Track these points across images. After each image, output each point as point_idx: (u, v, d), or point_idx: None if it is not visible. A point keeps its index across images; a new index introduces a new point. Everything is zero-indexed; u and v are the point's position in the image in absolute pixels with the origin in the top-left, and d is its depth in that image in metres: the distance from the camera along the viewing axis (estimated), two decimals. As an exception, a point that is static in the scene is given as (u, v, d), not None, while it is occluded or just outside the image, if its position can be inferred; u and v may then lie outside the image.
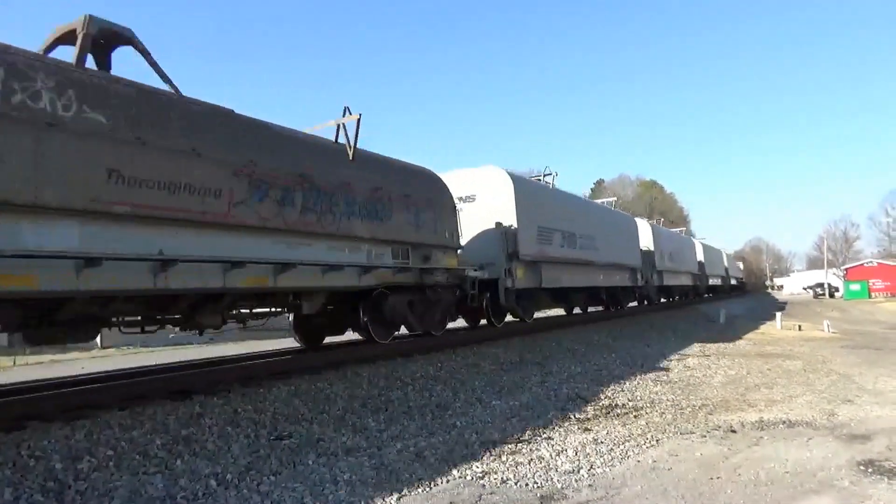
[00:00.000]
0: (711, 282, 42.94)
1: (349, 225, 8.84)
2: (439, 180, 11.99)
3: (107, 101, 5.87)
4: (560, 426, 6.92)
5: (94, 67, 6.44)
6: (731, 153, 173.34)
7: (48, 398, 6.20)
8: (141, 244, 6.05)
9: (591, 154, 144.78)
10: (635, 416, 7.51)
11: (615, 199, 25.26)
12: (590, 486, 4.92)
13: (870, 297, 61.02)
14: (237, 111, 7.60)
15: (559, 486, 4.90)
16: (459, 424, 6.81)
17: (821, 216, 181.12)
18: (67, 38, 6.38)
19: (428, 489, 4.78)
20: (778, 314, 25.26)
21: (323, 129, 9.52)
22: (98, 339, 14.40)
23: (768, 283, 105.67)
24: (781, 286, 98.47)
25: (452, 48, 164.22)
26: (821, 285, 71.80)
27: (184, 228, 6.49)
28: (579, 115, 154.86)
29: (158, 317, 7.13)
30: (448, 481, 4.97)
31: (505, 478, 5.05)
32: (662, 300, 31.19)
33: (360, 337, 10.68)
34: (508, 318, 15.06)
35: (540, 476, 5.11)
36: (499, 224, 13.60)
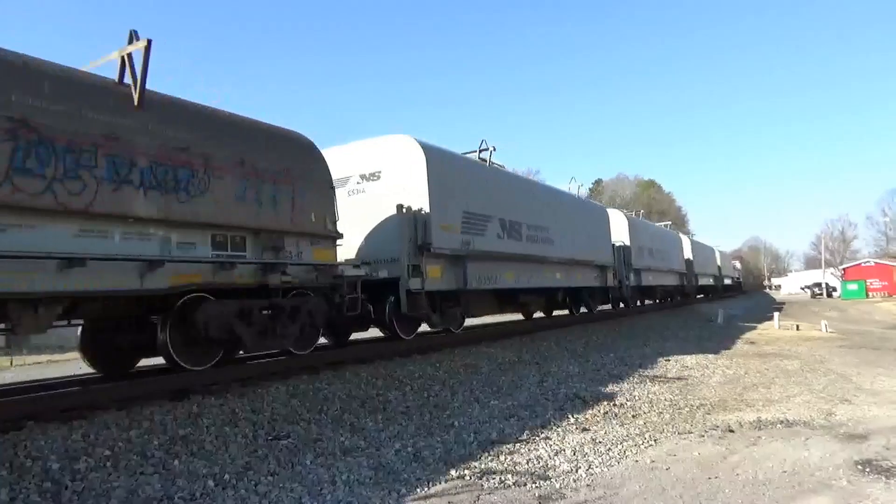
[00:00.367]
0: (701, 281, 39.78)
1: (120, 198, 6.14)
2: (307, 146, 9.01)
3: None
4: (558, 426, 6.92)
5: None
6: (730, 153, 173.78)
7: (45, 398, 6.18)
8: None
9: (589, 154, 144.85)
10: (633, 416, 7.52)
11: (580, 184, 20.19)
12: (588, 486, 4.92)
13: (867, 296, 61.13)
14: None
15: (557, 485, 4.90)
16: (458, 424, 6.81)
17: (818, 216, 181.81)
18: None
19: (426, 489, 4.78)
20: (776, 314, 25.26)
21: (105, 63, 6.76)
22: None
23: (766, 282, 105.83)
24: (779, 286, 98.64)
25: (449, 46, 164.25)
26: (818, 285, 71.95)
27: None
28: (578, 115, 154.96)
29: None
30: (446, 481, 4.97)
31: (503, 478, 5.05)
32: (644, 302, 28.29)
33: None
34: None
35: (538, 476, 5.11)
36: (405, 208, 10.60)
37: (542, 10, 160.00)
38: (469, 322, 14.26)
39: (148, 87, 6.56)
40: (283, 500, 4.42)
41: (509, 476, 5.09)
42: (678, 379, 10.49)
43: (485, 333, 13.39)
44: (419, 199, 10.68)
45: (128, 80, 6.53)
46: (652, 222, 35.19)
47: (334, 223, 9.10)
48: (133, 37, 6.52)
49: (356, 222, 10.71)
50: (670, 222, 41.22)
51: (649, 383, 9.93)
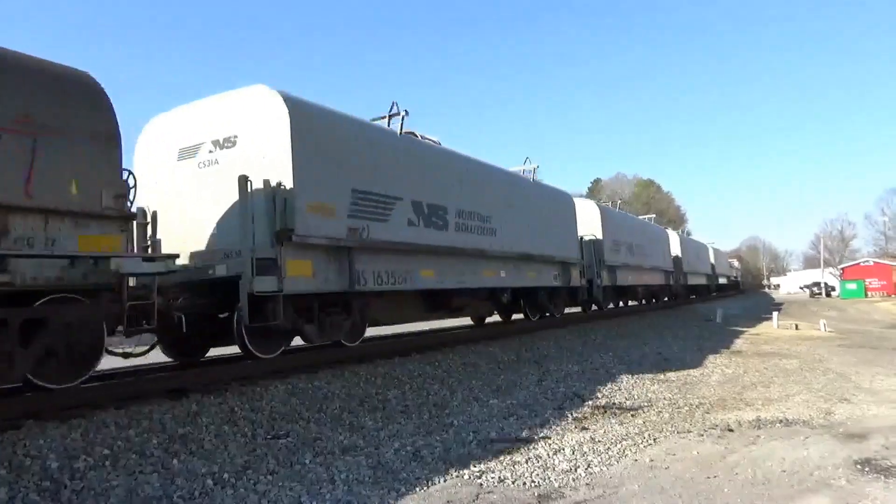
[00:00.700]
0: (692, 281, 36.46)
1: None
2: (73, 84, 6.20)
3: None
4: (557, 425, 6.92)
5: None
6: (728, 153, 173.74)
7: (44, 397, 6.17)
8: None
9: (588, 153, 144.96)
10: (632, 415, 7.52)
11: (535, 165, 15.87)
12: (587, 485, 4.92)
13: (866, 296, 61.23)
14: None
15: (556, 485, 4.90)
16: (457, 423, 6.81)
17: (817, 215, 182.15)
18: None
19: (425, 488, 4.78)
20: (775, 313, 25.30)
21: None
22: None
23: (765, 282, 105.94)
24: (778, 285, 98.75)
25: (449, 46, 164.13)
26: (817, 284, 72.04)
27: None
28: (577, 115, 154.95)
29: None
30: (445, 480, 4.96)
31: (502, 477, 5.04)
32: (627, 304, 26.34)
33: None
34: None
35: (537, 475, 5.11)
36: (256, 181, 7.73)
37: (541, 9, 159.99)
38: (387, 330, 12.71)
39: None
40: (282, 499, 4.42)
41: (508, 475, 5.08)
42: (677, 378, 10.49)
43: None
44: (280, 171, 7.91)
45: None
46: (634, 215, 31.38)
47: (120, 197, 6.23)
48: None
49: (208, 203, 8.35)
50: (654, 215, 36.72)
51: (648, 382, 9.94)
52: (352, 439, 6.00)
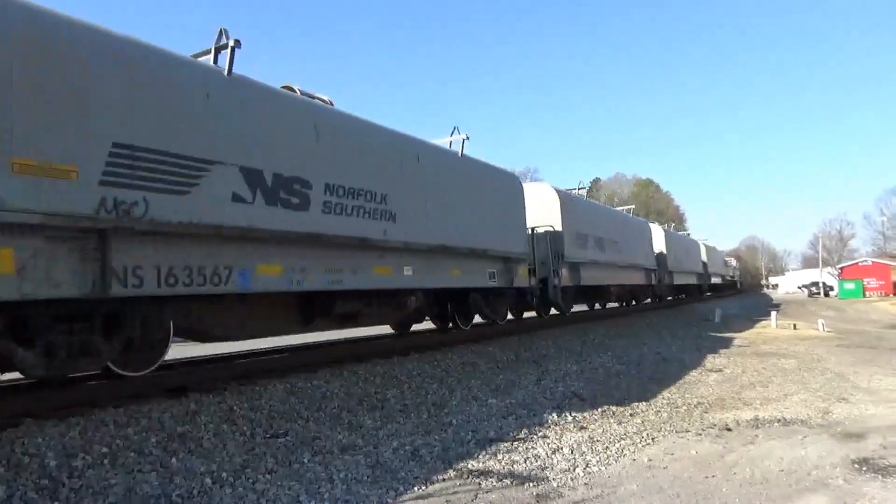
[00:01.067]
0: (679, 280, 32.14)
1: None
2: None
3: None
4: (556, 425, 6.93)
5: None
6: (728, 153, 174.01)
7: (42, 395, 6.17)
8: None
9: (587, 153, 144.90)
10: (631, 415, 7.53)
11: (465, 136, 12.30)
12: (585, 484, 4.92)
13: (864, 296, 61.31)
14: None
15: (555, 484, 4.91)
16: (455, 423, 6.81)
17: (816, 215, 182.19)
18: None
19: (424, 487, 4.78)
20: (773, 313, 25.32)
21: None
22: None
23: (764, 282, 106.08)
24: (777, 285, 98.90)
25: (447, 45, 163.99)
26: (816, 284, 72.09)
27: None
28: (576, 115, 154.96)
29: None
30: (444, 480, 4.97)
31: (501, 476, 5.05)
32: (596, 307, 23.86)
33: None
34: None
35: (536, 474, 5.11)
36: None
37: (540, 8, 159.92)
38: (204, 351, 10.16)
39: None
40: (280, 498, 4.42)
41: (507, 474, 5.09)
42: (676, 377, 10.50)
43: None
44: None
45: None
46: (608, 205, 27.09)
47: None
48: None
49: None
50: (633, 206, 31.62)
51: (647, 381, 9.95)
52: (350, 438, 6.00)
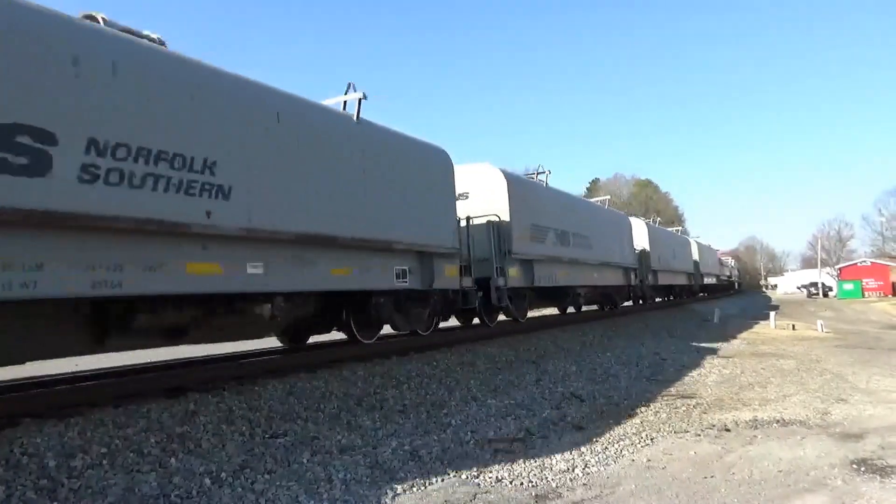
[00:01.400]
0: (663, 280, 28.43)
1: None
2: None
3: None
4: (555, 425, 6.93)
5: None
6: (727, 153, 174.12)
7: (41, 395, 6.17)
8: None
9: (586, 154, 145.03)
10: (630, 415, 7.53)
11: (361, 94, 9.06)
12: (584, 484, 4.93)
13: (863, 296, 61.41)
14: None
15: (554, 484, 4.91)
16: (455, 423, 6.81)
17: (815, 216, 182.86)
18: None
19: (423, 488, 4.78)
20: (772, 314, 25.35)
21: None
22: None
23: (763, 282, 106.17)
24: (776, 285, 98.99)
25: (446, 45, 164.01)
26: (815, 285, 72.16)
27: None
28: (575, 114, 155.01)
29: None
30: (443, 480, 4.97)
31: (500, 476, 5.05)
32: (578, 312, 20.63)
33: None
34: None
35: (535, 475, 5.12)
36: None
37: (539, 8, 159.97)
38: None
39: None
40: (279, 499, 4.42)
41: (506, 475, 5.09)
42: (674, 378, 10.51)
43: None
44: None
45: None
46: (566, 192, 20.69)
47: None
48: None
49: None
50: (609, 197, 29.02)
51: (645, 382, 9.96)
52: (350, 439, 6.00)
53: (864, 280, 65.72)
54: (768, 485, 4.92)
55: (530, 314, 17.30)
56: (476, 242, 12.75)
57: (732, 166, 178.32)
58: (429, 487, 4.80)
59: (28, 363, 6.10)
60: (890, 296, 60.98)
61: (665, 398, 8.71)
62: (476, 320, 14.44)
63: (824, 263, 79.08)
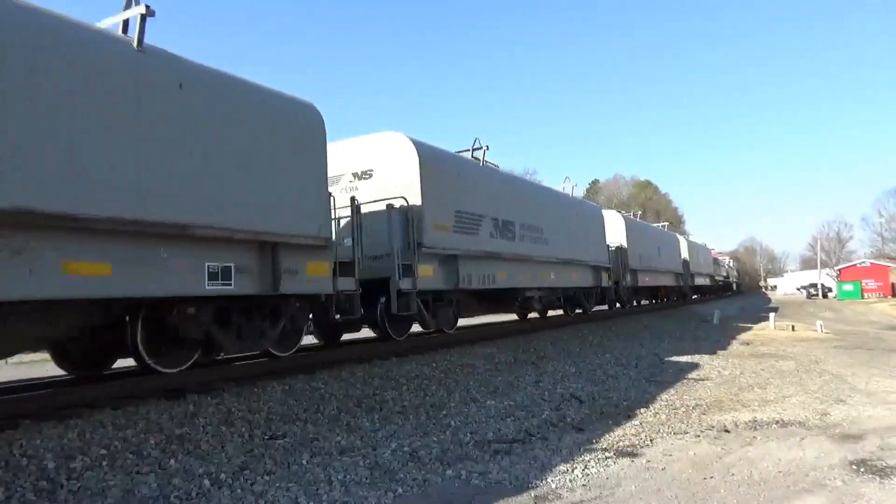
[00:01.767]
0: (646, 280, 25.61)
1: None
2: None
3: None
4: (555, 426, 6.93)
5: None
6: (726, 154, 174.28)
7: (41, 397, 6.17)
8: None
9: (585, 154, 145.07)
10: (629, 416, 7.53)
11: (141, 10, 6.10)
12: (584, 486, 4.93)
13: (862, 297, 61.36)
14: None
15: (553, 485, 4.91)
16: (454, 424, 6.81)
17: (814, 217, 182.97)
18: None
19: (422, 489, 4.78)
20: (771, 315, 25.34)
21: None
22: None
23: (762, 283, 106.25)
24: (775, 286, 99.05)
25: (445, 45, 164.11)
26: (814, 286, 72.13)
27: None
28: (574, 115, 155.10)
29: None
30: (442, 481, 4.97)
31: (499, 477, 5.05)
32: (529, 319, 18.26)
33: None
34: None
35: (534, 476, 5.12)
36: None
37: (538, 9, 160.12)
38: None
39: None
40: (279, 500, 4.42)
41: (505, 476, 5.09)
42: (674, 379, 10.51)
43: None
44: None
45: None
46: (512, 174, 18.61)
47: None
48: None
49: None
50: (576, 183, 22.59)
51: (645, 383, 9.96)
52: (349, 440, 6.01)
53: (863, 281, 65.66)
54: (768, 486, 4.92)
55: (471, 322, 15.58)
56: (374, 233, 10.09)
57: (732, 167, 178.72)
58: (428, 488, 4.80)
59: (27, 364, 6.14)
60: (889, 297, 60.98)
61: (664, 399, 8.71)
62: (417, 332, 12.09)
63: (824, 264, 79.08)
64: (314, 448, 5.68)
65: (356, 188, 11.33)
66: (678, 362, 12.54)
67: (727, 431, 6.79)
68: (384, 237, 10.33)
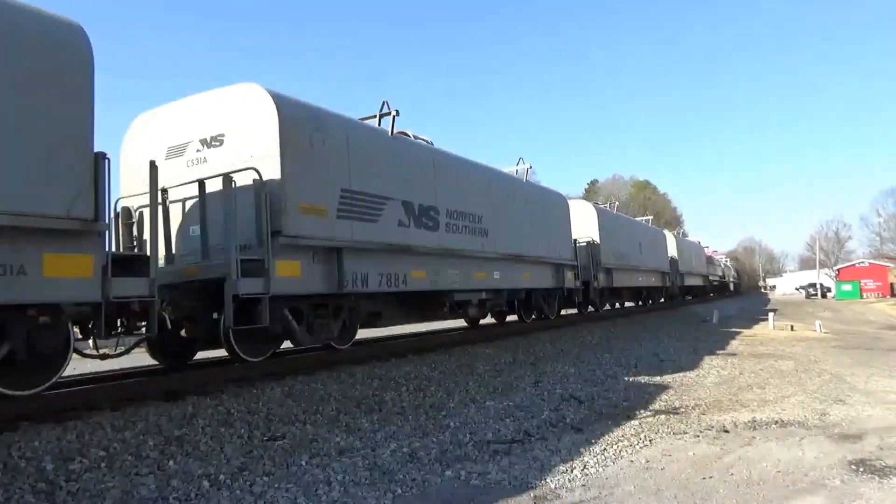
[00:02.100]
0: (622, 280, 22.66)
1: None
2: None
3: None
4: (554, 426, 6.93)
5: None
6: (725, 155, 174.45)
7: (39, 398, 6.16)
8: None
9: (584, 155, 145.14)
10: (628, 416, 7.53)
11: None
12: (583, 486, 4.93)
13: (861, 297, 61.45)
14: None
15: (552, 486, 4.91)
16: (453, 425, 6.81)
17: (813, 217, 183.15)
18: None
19: (421, 489, 4.78)
20: (770, 314, 25.35)
21: None
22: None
23: (761, 283, 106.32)
24: (774, 286, 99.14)
25: (444, 45, 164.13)
26: (813, 285, 72.23)
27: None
28: (573, 116, 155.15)
29: None
30: (441, 481, 4.97)
31: (498, 478, 5.05)
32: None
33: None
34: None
35: (533, 476, 5.12)
36: None
37: (536, 10, 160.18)
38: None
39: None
40: (278, 501, 4.42)
41: (504, 476, 5.09)
42: (673, 379, 10.51)
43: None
44: None
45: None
46: (431, 145, 12.45)
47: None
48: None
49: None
50: (529, 166, 17.28)
51: (644, 383, 9.96)
52: (348, 441, 6.00)
53: (862, 281, 65.75)
54: (767, 485, 4.92)
55: (392, 332, 13.30)
56: (220, 219, 7.78)
57: (731, 168, 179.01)
58: (427, 489, 4.80)
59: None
60: (888, 296, 61.04)
61: (663, 399, 8.71)
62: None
63: (822, 264, 79.18)
64: (313, 449, 5.67)
65: (205, 159, 8.60)
66: (677, 362, 12.54)
67: (726, 431, 6.79)
68: (218, 225, 7.90)
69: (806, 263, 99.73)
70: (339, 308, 9.38)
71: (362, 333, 11.44)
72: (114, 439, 5.18)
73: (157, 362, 8.74)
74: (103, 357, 7.04)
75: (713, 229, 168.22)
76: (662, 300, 31.00)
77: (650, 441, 6.33)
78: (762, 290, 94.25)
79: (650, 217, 35.56)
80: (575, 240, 18.39)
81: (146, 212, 6.93)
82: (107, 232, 6.02)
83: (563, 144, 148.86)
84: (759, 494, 4.70)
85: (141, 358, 8.93)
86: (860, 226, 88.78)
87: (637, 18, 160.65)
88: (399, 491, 4.71)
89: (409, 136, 11.20)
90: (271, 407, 6.64)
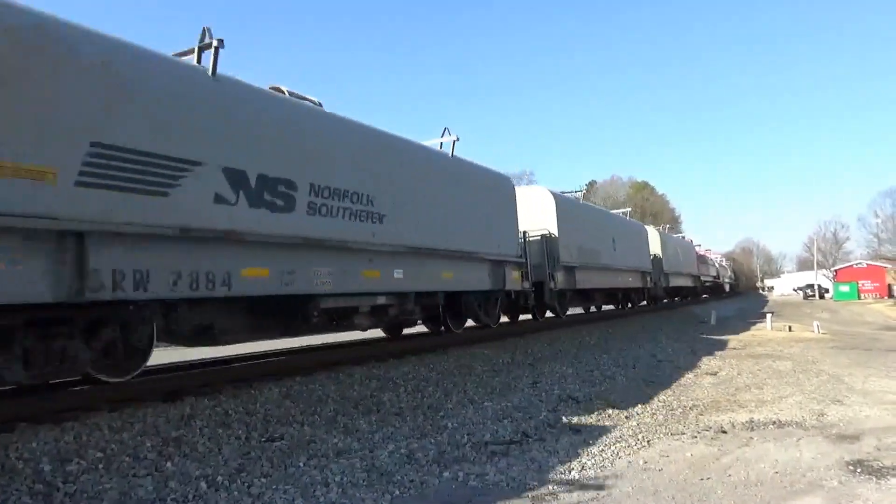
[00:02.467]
0: (585, 281, 18.88)
1: None
2: None
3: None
4: (552, 427, 6.93)
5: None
6: (722, 155, 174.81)
7: (37, 399, 6.14)
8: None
9: (583, 155, 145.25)
10: (626, 417, 7.54)
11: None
12: (581, 487, 4.93)
13: (859, 298, 61.49)
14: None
15: (550, 487, 4.91)
16: (451, 426, 6.81)
17: (811, 218, 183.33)
18: None
19: (419, 491, 4.78)
20: (768, 315, 25.38)
21: None
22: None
23: (759, 284, 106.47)
24: (772, 287, 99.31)
25: (442, 45, 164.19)
26: (811, 286, 72.30)
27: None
28: (572, 116, 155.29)
29: None
30: (439, 482, 4.97)
31: (496, 479, 5.05)
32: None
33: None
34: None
35: (531, 477, 5.12)
36: None
37: (535, 9, 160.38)
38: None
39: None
40: (276, 502, 4.42)
41: (503, 477, 5.09)
42: (671, 380, 10.52)
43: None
44: None
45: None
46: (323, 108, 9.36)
47: None
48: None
49: None
50: (456, 137, 12.21)
51: (642, 384, 9.97)
52: (346, 442, 6.00)
53: (860, 282, 65.80)
54: (765, 486, 4.93)
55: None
56: None
57: (729, 169, 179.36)
58: (425, 490, 4.80)
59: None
60: (886, 297, 61.13)
61: (662, 400, 8.72)
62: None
63: (820, 265, 79.26)
64: (311, 450, 5.67)
65: None
66: (675, 363, 12.55)
67: (724, 432, 6.79)
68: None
69: (804, 264, 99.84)
70: (99, 323, 6.34)
71: (364, 334, 10.62)
72: (111, 440, 5.17)
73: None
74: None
75: (711, 230, 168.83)
76: (644, 303, 27.98)
77: (648, 442, 6.34)
78: (760, 291, 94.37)
79: (628, 210, 31.89)
80: (524, 232, 15.39)
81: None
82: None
83: (561, 145, 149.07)
84: (757, 495, 4.71)
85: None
86: (858, 227, 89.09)
87: (636, 19, 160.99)
88: (397, 492, 4.71)
89: (283, 91, 8.60)
90: (269, 408, 6.63)
